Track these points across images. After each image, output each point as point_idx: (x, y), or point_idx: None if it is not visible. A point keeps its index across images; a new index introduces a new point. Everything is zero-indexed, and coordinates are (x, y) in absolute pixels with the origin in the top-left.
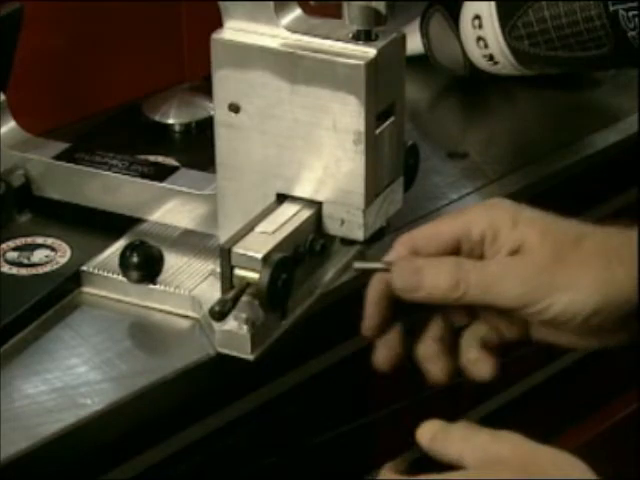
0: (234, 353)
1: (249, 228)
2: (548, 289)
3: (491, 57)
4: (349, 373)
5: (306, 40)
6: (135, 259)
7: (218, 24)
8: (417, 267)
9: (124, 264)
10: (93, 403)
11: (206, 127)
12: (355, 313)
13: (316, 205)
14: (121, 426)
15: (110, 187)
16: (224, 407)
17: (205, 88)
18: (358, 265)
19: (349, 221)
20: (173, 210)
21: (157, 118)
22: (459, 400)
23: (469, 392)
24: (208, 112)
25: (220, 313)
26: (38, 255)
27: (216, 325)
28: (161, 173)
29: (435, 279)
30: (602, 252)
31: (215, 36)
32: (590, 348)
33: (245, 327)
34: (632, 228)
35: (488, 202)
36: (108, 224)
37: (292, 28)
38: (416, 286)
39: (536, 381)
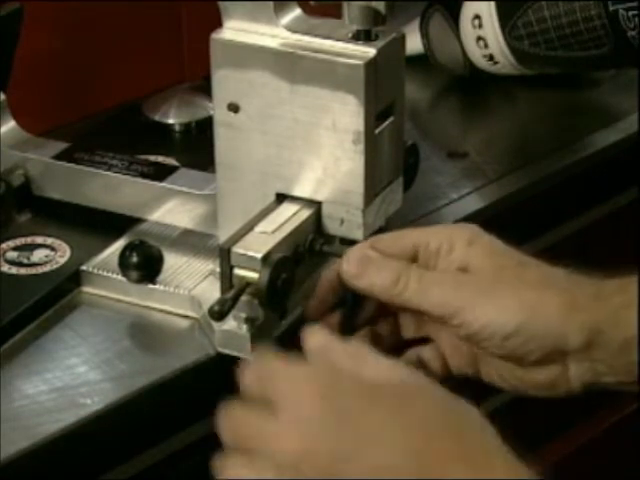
0: (234, 353)
1: (249, 228)
2: (472, 302)
3: (491, 57)
4: None
5: (306, 40)
6: (135, 259)
7: (218, 24)
8: (366, 256)
9: (124, 264)
10: (93, 403)
11: (206, 127)
12: (354, 312)
13: (316, 205)
14: (121, 426)
15: (110, 187)
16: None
17: (205, 88)
18: (326, 249)
19: (349, 221)
20: (173, 210)
21: (157, 118)
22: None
23: (467, 392)
24: (208, 112)
25: (220, 313)
26: (38, 255)
27: (216, 325)
28: (161, 173)
29: (378, 271)
30: (539, 281)
31: (215, 36)
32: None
33: (245, 327)
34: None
35: (453, 224)
36: (108, 224)
37: (292, 28)
38: (359, 273)
39: None
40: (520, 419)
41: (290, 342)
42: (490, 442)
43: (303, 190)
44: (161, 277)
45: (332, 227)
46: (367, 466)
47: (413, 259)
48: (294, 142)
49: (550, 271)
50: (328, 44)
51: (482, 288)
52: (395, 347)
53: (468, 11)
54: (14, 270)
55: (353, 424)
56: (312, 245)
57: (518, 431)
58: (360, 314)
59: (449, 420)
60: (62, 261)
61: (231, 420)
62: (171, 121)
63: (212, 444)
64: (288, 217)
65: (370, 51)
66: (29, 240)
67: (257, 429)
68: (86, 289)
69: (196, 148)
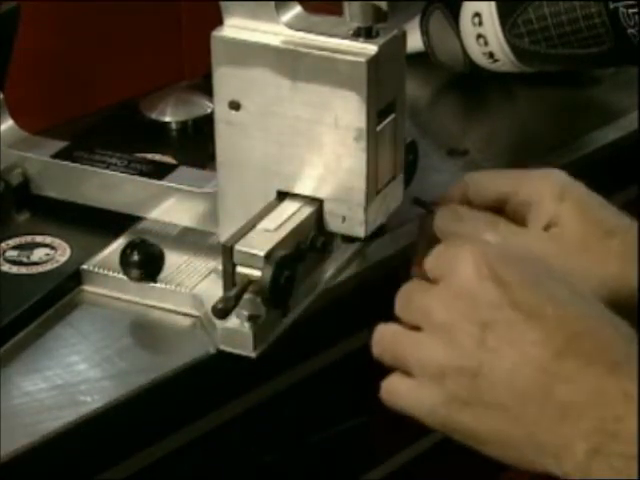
0: (236, 351)
1: (251, 226)
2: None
3: (491, 54)
4: (350, 371)
5: (307, 37)
6: (136, 257)
7: (217, 22)
8: (457, 214)
9: (125, 262)
10: (93, 401)
11: (203, 125)
12: (356, 310)
13: (317, 202)
14: (121, 424)
15: (109, 185)
16: (225, 405)
17: (202, 86)
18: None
19: (350, 218)
20: (172, 208)
21: (154, 116)
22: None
23: None
24: (205, 110)
25: (223, 311)
26: (38, 254)
27: (218, 322)
28: (160, 171)
29: (472, 228)
30: (624, 252)
31: (215, 34)
32: None
33: (247, 324)
34: None
35: (544, 171)
36: (107, 222)
37: (293, 25)
38: (454, 231)
39: None
40: None
41: (293, 340)
42: (626, 342)
43: (305, 187)
44: (162, 275)
45: (334, 224)
46: (506, 364)
47: (502, 205)
48: (295, 140)
49: (633, 237)
50: (329, 41)
51: (565, 258)
52: None
53: (468, 9)
54: (14, 269)
55: (509, 292)
56: (314, 242)
57: None
58: None
59: (589, 322)
60: (62, 260)
61: (383, 333)
62: (168, 119)
63: (212, 442)
64: (290, 215)
65: (371, 48)
66: (29, 239)
67: (405, 338)
68: (87, 288)
69: (193, 146)
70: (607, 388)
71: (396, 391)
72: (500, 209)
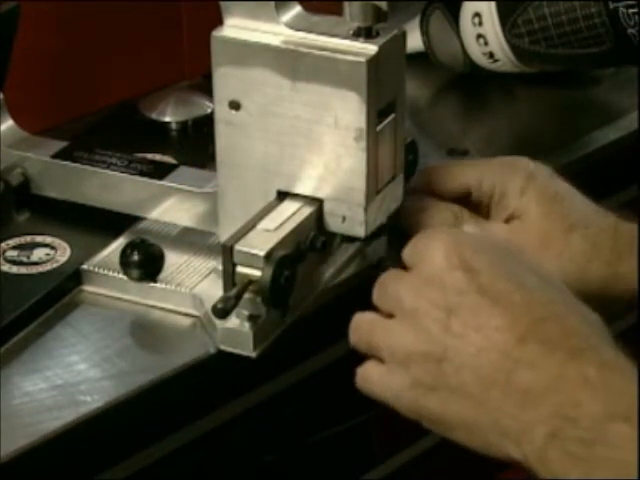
0: (236, 350)
1: (251, 226)
2: None
3: (491, 54)
4: (350, 371)
5: (307, 37)
6: (136, 257)
7: (218, 22)
8: (423, 205)
9: (125, 262)
10: (93, 400)
11: (203, 125)
12: (356, 310)
13: (317, 202)
14: (121, 424)
15: (109, 185)
16: (225, 405)
17: (202, 86)
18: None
19: (350, 218)
20: (172, 208)
21: (154, 116)
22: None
23: None
24: (205, 110)
25: (223, 310)
26: (38, 254)
27: (218, 322)
28: (160, 171)
29: (437, 219)
30: (583, 250)
31: (215, 34)
32: None
33: (247, 324)
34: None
35: (509, 160)
36: (107, 222)
37: (293, 25)
38: (418, 221)
39: None
40: None
41: (293, 340)
42: (592, 328)
43: (305, 187)
44: (162, 275)
45: (334, 224)
46: (471, 349)
47: (466, 197)
48: (295, 140)
49: (594, 232)
50: (329, 41)
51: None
52: None
53: (468, 9)
54: (14, 269)
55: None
56: (314, 242)
57: None
58: None
59: (555, 309)
60: (62, 260)
61: (360, 320)
62: (168, 119)
63: (212, 442)
64: (290, 215)
65: (372, 48)
66: (29, 239)
67: (378, 324)
68: (87, 288)
69: (193, 146)
70: (568, 374)
71: (369, 378)
72: (465, 200)
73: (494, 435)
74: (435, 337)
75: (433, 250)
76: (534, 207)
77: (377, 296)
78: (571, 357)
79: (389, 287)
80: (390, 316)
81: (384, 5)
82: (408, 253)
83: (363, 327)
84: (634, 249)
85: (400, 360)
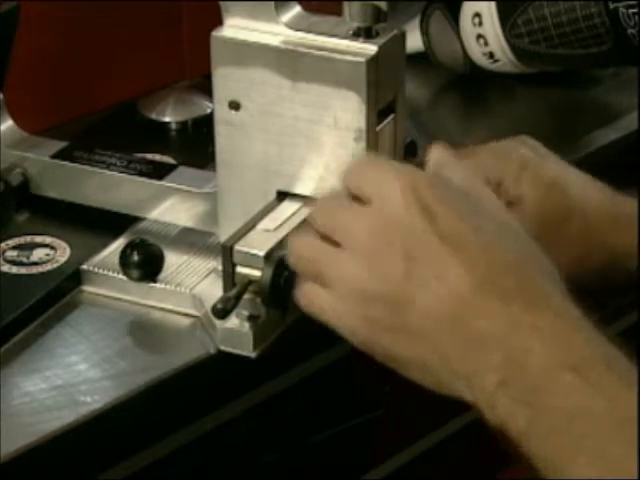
0: (236, 351)
1: (250, 226)
2: None
3: (491, 55)
4: (349, 371)
5: (307, 37)
6: (136, 257)
7: (218, 22)
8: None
9: (124, 262)
10: (93, 401)
11: (203, 125)
12: None
13: None
14: (121, 424)
15: (109, 185)
16: (224, 405)
17: (202, 86)
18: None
19: None
20: (172, 208)
21: (153, 116)
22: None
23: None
24: (205, 110)
25: (223, 311)
26: (37, 254)
27: (218, 323)
28: (160, 171)
29: None
30: (582, 233)
31: (215, 34)
32: None
33: (247, 325)
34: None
35: (500, 146)
36: (107, 222)
37: (292, 26)
38: None
39: None
40: None
41: (293, 340)
42: (550, 279)
43: (304, 188)
44: (162, 275)
45: None
46: (432, 297)
47: None
48: (295, 140)
49: (595, 218)
50: (329, 41)
51: None
52: None
53: (468, 9)
54: (14, 269)
55: (435, 223)
56: None
57: None
58: None
59: (512, 258)
60: (62, 260)
61: (301, 245)
62: (167, 119)
63: (212, 442)
64: (290, 215)
65: (371, 48)
66: (28, 239)
67: (325, 253)
68: (86, 288)
69: (193, 146)
70: (521, 323)
71: (316, 301)
72: None
73: (446, 375)
74: (395, 282)
75: (389, 186)
76: (530, 194)
77: (322, 221)
78: (526, 308)
79: (339, 216)
80: (334, 242)
81: (384, 5)
82: (357, 181)
83: (305, 251)
84: (633, 224)
85: (355, 295)
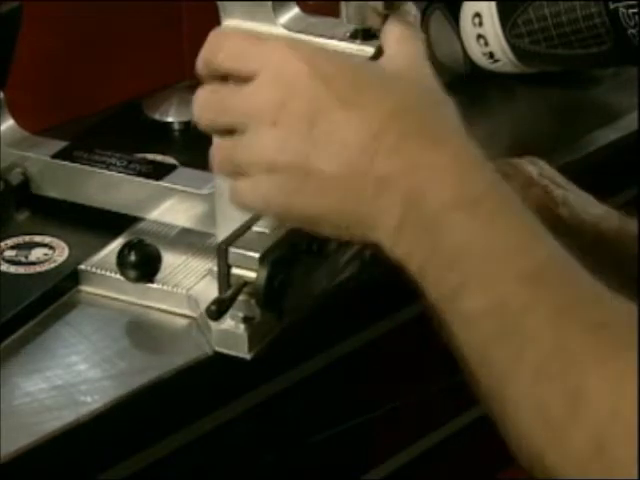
0: (231, 352)
1: (246, 227)
2: None
3: (491, 55)
4: (346, 372)
5: (304, 39)
6: (133, 258)
7: (218, 22)
8: None
9: (122, 263)
10: (93, 400)
11: None
12: (353, 312)
13: None
14: (120, 423)
15: (108, 186)
16: (222, 405)
17: None
18: None
19: None
20: (171, 209)
21: (156, 116)
22: (458, 399)
23: (469, 391)
24: None
25: (217, 312)
26: (36, 254)
27: (213, 324)
28: (159, 172)
29: None
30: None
31: None
32: None
33: (242, 326)
34: None
35: (509, 163)
36: (106, 223)
37: (290, 27)
38: None
39: None
40: None
41: (289, 341)
42: (450, 121)
43: None
44: (159, 276)
45: None
46: (335, 153)
47: None
48: None
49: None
50: (327, 43)
51: None
52: None
53: (468, 9)
54: (12, 269)
55: (330, 86)
56: (310, 245)
57: None
58: None
59: (412, 102)
60: (60, 260)
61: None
62: (170, 119)
63: (210, 443)
64: None
65: (369, 50)
66: (27, 239)
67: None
68: (84, 288)
69: (195, 147)
70: (421, 161)
71: (240, 191)
72: None
73: (355, 225)
74: (297, 147)
75: (273, 55)
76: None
77: (215, 116)
78: (425, 146)
79: (232, 102)
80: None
81: (381, 7)
82: (238, 63)
83: (226, 157)
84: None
85: (265, 170)
